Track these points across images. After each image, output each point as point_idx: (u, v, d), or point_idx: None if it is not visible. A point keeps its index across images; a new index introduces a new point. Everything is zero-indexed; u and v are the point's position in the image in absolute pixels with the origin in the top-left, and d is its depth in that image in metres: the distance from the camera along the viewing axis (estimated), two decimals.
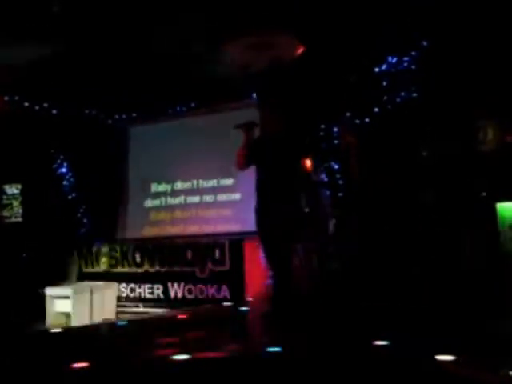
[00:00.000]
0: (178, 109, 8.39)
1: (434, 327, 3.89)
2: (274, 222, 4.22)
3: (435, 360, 2.75)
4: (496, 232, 5.24)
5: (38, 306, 7.02)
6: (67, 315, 7.00)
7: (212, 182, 8.07)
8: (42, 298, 7.10)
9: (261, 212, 4.36)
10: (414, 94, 6.58)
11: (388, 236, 6.18)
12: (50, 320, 6.99)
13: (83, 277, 8.06)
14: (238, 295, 6.95)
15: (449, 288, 5.41)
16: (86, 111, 8.45)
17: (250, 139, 4.44)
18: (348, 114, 6.99)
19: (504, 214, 5.21)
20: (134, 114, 8.73)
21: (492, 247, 5.32)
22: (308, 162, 4.47)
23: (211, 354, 3.07)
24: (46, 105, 8.20)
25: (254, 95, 7.47)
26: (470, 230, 5.69)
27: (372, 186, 6.60)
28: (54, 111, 8.26)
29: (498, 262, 5.19)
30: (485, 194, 5.75)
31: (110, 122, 8.75)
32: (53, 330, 4.37)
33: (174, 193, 8.39)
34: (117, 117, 8.76)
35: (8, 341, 4.08)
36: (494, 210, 5.29)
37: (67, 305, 6.98)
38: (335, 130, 7.13)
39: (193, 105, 8.29)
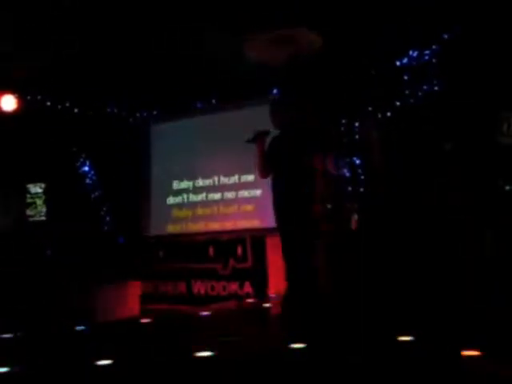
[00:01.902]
0: (199, 106, 8.41)
1: (458, 322, 3.85)
2: (291, 220, 4.17)
3: (461, 355, 2.72)
4: None
5: (62, 304, 7.10)
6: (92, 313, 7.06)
7: (233, 179, 8.07)
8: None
9: (278, 210, 4.33)
10: (436, 88, 6.50)
11: (411, 231, 6.11)
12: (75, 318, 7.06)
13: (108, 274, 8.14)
14: (260, 292, 6.96)
15: (472, 282, 5.34)
16: (108, 109, 8.52)
17: (262, 147, 4.43)
18: (369, 109, 6.94)
19: None
20: (155, 112, 8.77)
21: None
22: (319, 157, 4.36)
23: (235, 351, 3.07)
24: (67, 103, 8.28)
25: (275, 91, 7.44)
26: (492, 223, 5.61)
27: (395, 180, 6.54)
28: (76, 110, 8.34)
29: None
30: (508, 187, 5.66)
31: (131, 119, 8.81)
32: (77, 328, 4.41)
33: (196, 190, 8.42)
34: (138, 114, 8.82)
35: (32, 338, 4.14)
36: None
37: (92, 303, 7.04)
38: (356, 124, 7.08)
39: (214, 101, 8.30)
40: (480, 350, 2.72)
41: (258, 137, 4.40)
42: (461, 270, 5.59)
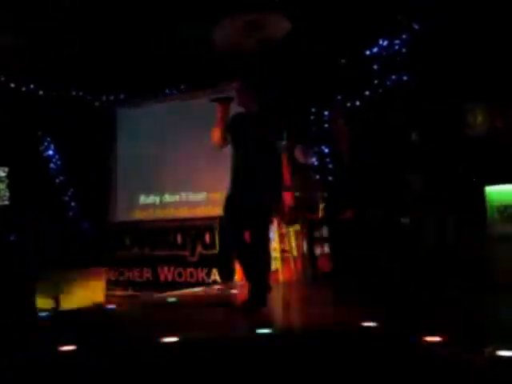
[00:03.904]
0: (167, 91, 8.32)
1: (421, 309, 3.92)
2: (246, 206, 4.07)
3: (423, 341, 2.77)
4: (484, 215, 5.26)
5: (26, 290, 6.97)
6: (56, 299, 6.97)
7: (202, 165, 8.00)
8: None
9: (233, 195, 4.24)
10: (405, 78, 6.56)
11: (376, 220, 6.19)
12: (39, 304, 6.95)
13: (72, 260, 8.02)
14: (227, 279, 6.96)
15: (436, 270, 5.44)
16: (73, 92, 8.35)
17: (225, 113, 4.30)
18: (339, 98, 6.97)
19: (492, 198, 5.22)
20: (122, 96, 8.64)
21: (479, 230, 5.34)
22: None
23: (201, 336, 3.06)
24: (32, 86, 8.08)
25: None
26: (458, 213, 5.72)
27: (361, 169, 6.60)
28: (41, 92, 8.15)
29: (485, 245, 5.22)
30: (474, 178, 5.77)
31: (97, 103, 8.66)
32: (41, 314, 4.34)
33: (164, 175, 8.32)
34: (104, 98, 8.67)
35: None
36: (482, 194, 5.31)
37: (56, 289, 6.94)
38: (326, 113, 7.11)
39: (182, 87, 8.22)
40: (441, 337, 2.77)
41: (222, 99, 4.29)
42: (424, 256, 5.70)
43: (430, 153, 6.20)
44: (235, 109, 4.36)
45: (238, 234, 4.12)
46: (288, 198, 4.05)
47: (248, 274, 4.12)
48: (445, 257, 5.55)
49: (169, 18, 6.33)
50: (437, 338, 2.77)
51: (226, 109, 4.28)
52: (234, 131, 4.24)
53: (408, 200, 6.11)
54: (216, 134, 4.26)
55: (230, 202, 4.21)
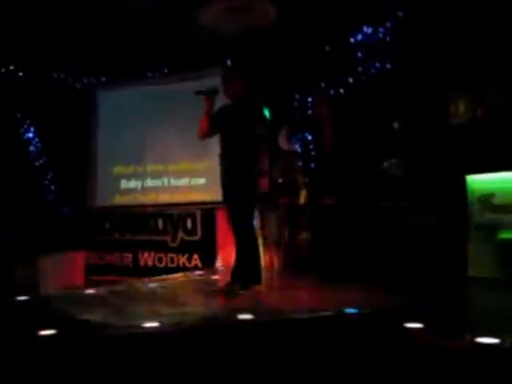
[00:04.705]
0: (150, 74, 8.21)
1: (403, 296, 3.95)
2: (234, 193, 4.16)
3: (404, 328, 2.79)
4: (465, 204, 5.29)
5: (6, 275, 6.90)
6: (35, 284, 6.90)
7: (185, 150, 7.94)
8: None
9: (224, 184, 4.32)
10: (388, 66, 6.56)
11: (358, 207, 6.21)
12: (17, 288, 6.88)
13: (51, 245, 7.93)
14: (209, 264, 6.96)
15: (418, 258, 5.48)
16: (54, 74, 8.20)
17: (211, 106, 4.38)
18: (322, 85, 6.95)
19: (473, 187, 5.25)
20: (104, 79, 8.51)
21: (461, 220, 5.37)
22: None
23: (181, 321, 3.05)
24: (12, 67, 7.92)
25: (228, 62, 7.34)
26: (439, 203, 5.75)
27: (344, 157, 6.61)
28: (21, 74, 7.98)
29: (466, 234, 5.25)
30: (455, 166, 5.79)
31: (78, 86, 8.52)
32: (20, 298, 4.29)
33: (145, 160, 8.24)
34: (85, 81, 8.53)
35: None
36: (463, 183, 5.33)
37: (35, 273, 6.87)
38: (310, 100, 7.09)
39: (165, 71, 8.13)
40: (422, 323, 2.80)
41: (209, 92, 4.35)
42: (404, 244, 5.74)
43: (412, 141, 6.23)
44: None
45: (230, 218, 4.27)
46: (263, 184, 4.11)
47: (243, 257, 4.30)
48: (426, 245, 5.59)
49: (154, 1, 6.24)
50: (417, 325, 2.79)
51: (212, 102, 4.35)
52: (218, 123, 4.31)
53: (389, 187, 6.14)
54: (201, 127, 4.35)
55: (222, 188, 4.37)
